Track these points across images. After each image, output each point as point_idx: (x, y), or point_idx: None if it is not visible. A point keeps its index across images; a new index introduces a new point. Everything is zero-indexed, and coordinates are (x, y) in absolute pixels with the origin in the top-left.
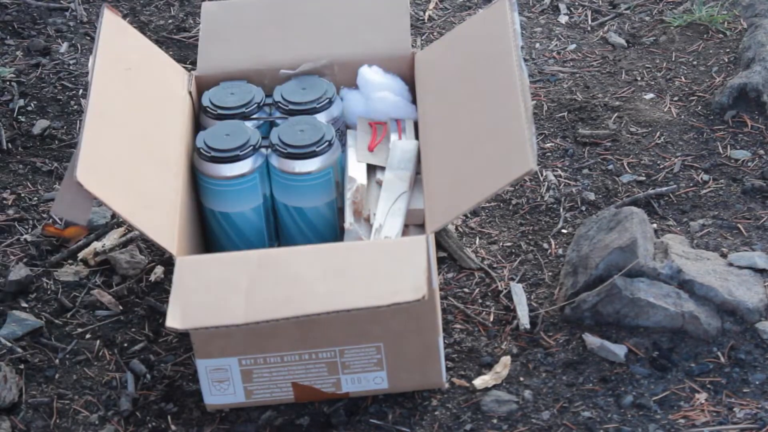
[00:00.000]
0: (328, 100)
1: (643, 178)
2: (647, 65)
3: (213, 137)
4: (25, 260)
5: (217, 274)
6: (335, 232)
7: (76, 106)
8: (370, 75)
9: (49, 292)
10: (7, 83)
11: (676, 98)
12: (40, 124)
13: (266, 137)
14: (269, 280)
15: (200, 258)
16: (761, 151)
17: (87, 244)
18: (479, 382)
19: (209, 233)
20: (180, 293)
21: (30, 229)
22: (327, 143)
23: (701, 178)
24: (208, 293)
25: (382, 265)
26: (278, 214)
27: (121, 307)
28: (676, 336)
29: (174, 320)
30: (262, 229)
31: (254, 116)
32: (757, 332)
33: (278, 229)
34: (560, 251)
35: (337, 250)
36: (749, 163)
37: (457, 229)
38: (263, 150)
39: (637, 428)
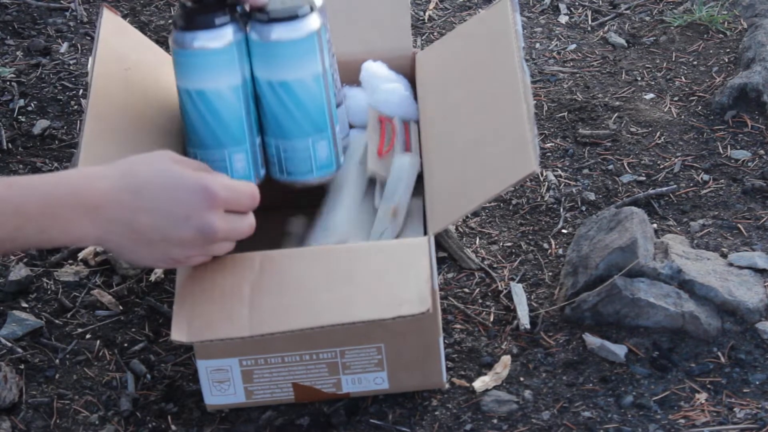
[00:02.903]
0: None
1: (644, 178)
2: (647, 65)
3: (190, 6)
4: (25, 260)
5: (219, 280)
6: (324, 114)
7: (76, 106)
8: (376, 68)
9: (49, 292)
10: (7, 83)
11: (676, 98)
12: (41, 124)
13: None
14: (272, 288)
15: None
16: (761, 151)
17: None
18: (479, 384)
19: (186, 124)
20: (183, 303)
21: None
22: (309, 7)
23: (701, 178)
24: (212, 303)
25: (385, 271)
26: (262, 99)
27: (121, 307)
28: (677, 336)
29: (180, 334)
30: (241, 115)
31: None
32: (758, 332)
33: (263, 122)
34: (560, 251)
35: (338, 253)
36: (749, 163)
37: (457, 229)
38: (242, 25)
39: (637, 428)
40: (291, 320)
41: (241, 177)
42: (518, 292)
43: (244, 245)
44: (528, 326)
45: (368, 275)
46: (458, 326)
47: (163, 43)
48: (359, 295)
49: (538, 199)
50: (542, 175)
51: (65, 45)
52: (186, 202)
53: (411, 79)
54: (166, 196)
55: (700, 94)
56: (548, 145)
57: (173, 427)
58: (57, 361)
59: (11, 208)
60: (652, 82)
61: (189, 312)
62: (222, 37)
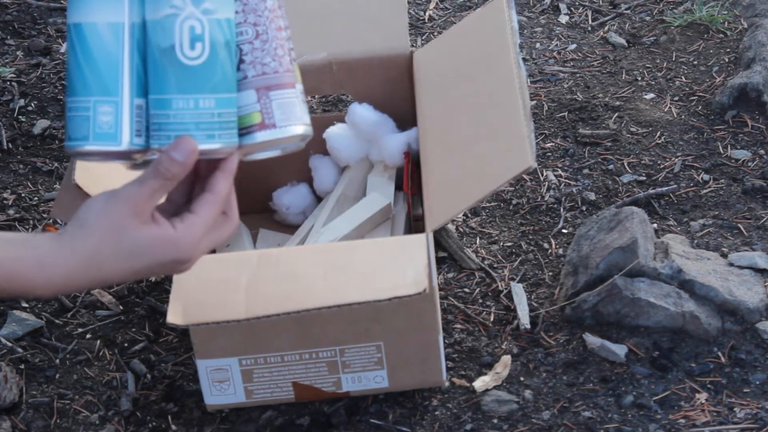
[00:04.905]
0: None
1: (644, 178)
2: (647, 65)
3: None
4: None
5: (216, 273)
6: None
7: None
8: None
9: None
10: (8, 83)
11: (676, 98)
12: (41, 124)
13: None
14: (269, 278)
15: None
16: (762, 151)
17: None
18: (479, 383)
19: (66, 71)
20: (180, 291)
21: (30, 229)
22: None
23: (702, 178)
24: (208, 291)
25: (382, 263)
26: (148, 53)
27: (121, 307)
28: (677, 336)
29: (175, 316)
30: (116, 60)
31: None
32: (758, 332)
33: (147, 80)
34: (560, 251)
35: (337, 248)
36: (749, 163)
37: (457, 229)
38: None
39: (637, 428)
40: (286, 304)
41: (104, 134)
42: (518, 292)
43: None
44: (528, 326)
45: (366, 266)
46: (458, 326)
47: None
48: (356, 282)
49: (539, 199)
50: (542, 174)
51: (65, 45)
52: (162, 268)
53: (409, 77)
54: (137, 267)
55: (701, 94)
56: (548, 145)
57: (173, 427)
58: (57, 360)
59: None
60: (653, 82)
61: (185, 299)
62: None
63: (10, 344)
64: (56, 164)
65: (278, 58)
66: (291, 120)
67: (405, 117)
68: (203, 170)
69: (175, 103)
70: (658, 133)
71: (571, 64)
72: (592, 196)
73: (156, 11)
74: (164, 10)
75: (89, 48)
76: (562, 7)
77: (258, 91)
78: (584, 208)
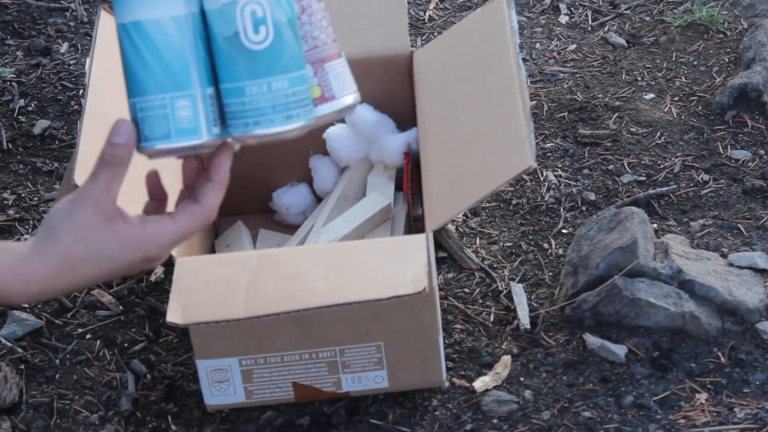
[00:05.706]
0: None
1: (644, 178)
2: (647, 65)
3: None
4: None
5: (216, 273)
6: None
7: (76, 106)
8: (362, 112)
9: None
10: (8, 83)
11: (676, 98)
12: (41, 124)
13: None
14: (269, 278)
15: (200, 258)
16: (761, 151)
17: None
18: (479, 384)
19: (125, 70)
20: (180, 291)
21: (30, 230)
22: None
23: (701, 178)
24: (208, 291)
25: (382, 263)
26: (213, 42)
27: (121, 307)
28: (677, 336)
29: (175, 316)
30: (184, 53)
31: None
32: (758, 332)
33: (216, 70)
34: (560, 251)
35: (337, 249)
36: (749, 163)
37: (457, 229)
38: None
39: (637, 428)
40: (286, 303)
41: (185, 129)
42: (518, 292)
43: None
44: (528, 326)
45: (366, 267)
46: (458, 326)
47: None
48: (356, 282)
49: (538, 199)
50: (542, 175)
51: (65, 45)
52: (132, 267)
53: (409, 77)
54: (110, 267)
55: (701, 94)
56: (548, 145)
57: (173, 427)
58: (57, 361)
59: None
60: (652, 82)
61: (185, 298)
62: None
63: (10, 344)
64: (56, 164)
65: (324, 29)
66: (346, 89)
67: (405, 117)
68: (188, 174)
69: (249, 89)
70: (658, 134)
71: (571, 64)
72: (592, 196)
73: (215, 0)
74: None
75: (156, 45)
76: (562, 7)
77: (314, 65)
78: (584, 208)
